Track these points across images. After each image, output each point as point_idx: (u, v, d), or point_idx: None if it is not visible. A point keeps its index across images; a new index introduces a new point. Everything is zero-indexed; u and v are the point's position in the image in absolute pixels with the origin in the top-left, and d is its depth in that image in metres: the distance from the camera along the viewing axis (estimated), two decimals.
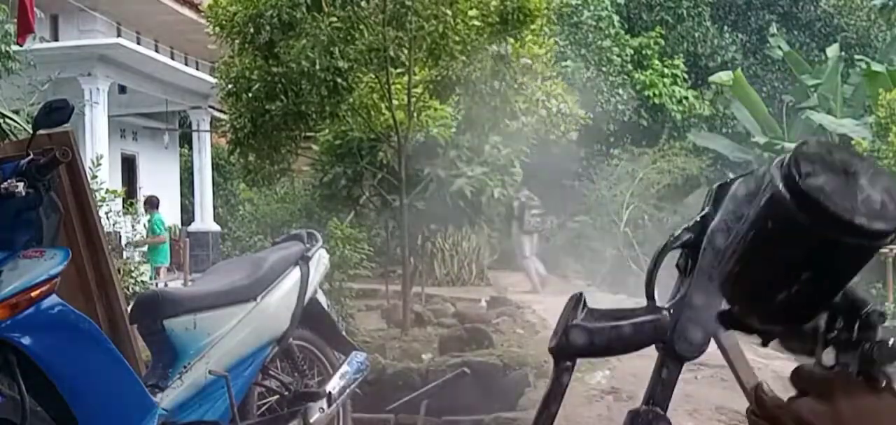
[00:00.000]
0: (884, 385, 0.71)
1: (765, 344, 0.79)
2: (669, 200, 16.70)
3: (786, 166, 0.72)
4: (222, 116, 11.39)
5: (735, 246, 0.76)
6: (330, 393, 3.74)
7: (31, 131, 3.42)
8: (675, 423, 0.82)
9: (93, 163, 8.88)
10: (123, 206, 11.13)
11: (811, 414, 0.69)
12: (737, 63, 19.09)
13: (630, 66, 18.30)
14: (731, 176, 0.84)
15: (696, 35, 19.50)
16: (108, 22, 14.92)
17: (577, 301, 0.83)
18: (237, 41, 8.76)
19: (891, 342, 0.72)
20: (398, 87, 8.87)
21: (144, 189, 15.13)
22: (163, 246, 13.17)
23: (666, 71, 18.62)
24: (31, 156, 2.98)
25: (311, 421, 3.61)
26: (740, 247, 0.75)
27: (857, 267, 0.72)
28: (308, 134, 9.41)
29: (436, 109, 9.17)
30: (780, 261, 0.73)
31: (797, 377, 0.74)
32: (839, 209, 0.69)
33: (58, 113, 3.06)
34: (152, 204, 13.60)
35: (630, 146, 17.69)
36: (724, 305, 0.78)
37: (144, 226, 12.66)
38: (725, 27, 19.93)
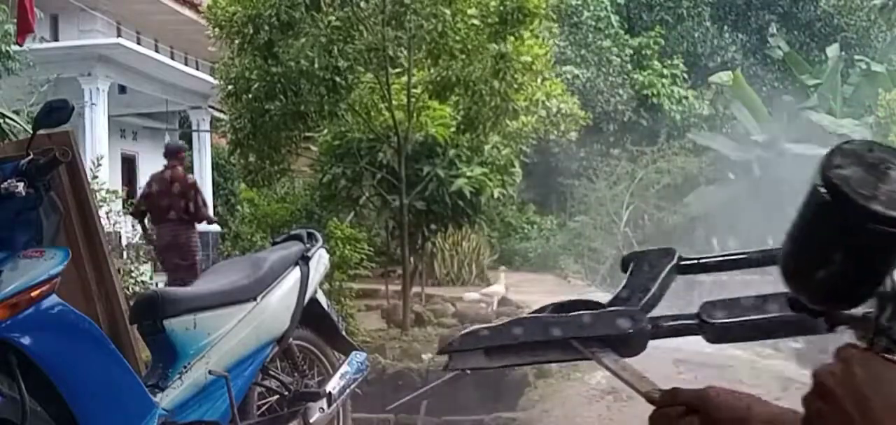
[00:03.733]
0: None
1: (831, 328, 0.83)
2: (669, 200, 16.70)
3: (824, 158, 0.76)
4: (222, 116, 11.38)
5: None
6: (330, 393, 3.74)
7: (31, 131, 3.42)
8: None
9: (93, 163, 8.87)
10: (123, 206, 11.12)
11: (828, 377, 0.72)
12: (737, 63, 19.08)
13: (629, 67, 18.30)
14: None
15: (696, 35, 19.49)
16: (108, 22, 14.90)
17: None
18: (237, 41, 8.77)
19: None
20: (397, 86, 8.87)
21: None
22: None
23: (665, 71, 18.61)
24: (31, 156, 2.97)
25: (311, 421, 3.61)
26: (792, 229, 0.81)
27: (889, 255, 0.76)
28: (308, 134, 9.41)
29: (435, 109, 9.17)
30: (817, 243, 0.77)
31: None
32: (857, 196, 0.73)
33: (58, 113, 3.05)
34: None
35: (630, 146, 17.69)
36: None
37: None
38: (725, 27, 19.91)
